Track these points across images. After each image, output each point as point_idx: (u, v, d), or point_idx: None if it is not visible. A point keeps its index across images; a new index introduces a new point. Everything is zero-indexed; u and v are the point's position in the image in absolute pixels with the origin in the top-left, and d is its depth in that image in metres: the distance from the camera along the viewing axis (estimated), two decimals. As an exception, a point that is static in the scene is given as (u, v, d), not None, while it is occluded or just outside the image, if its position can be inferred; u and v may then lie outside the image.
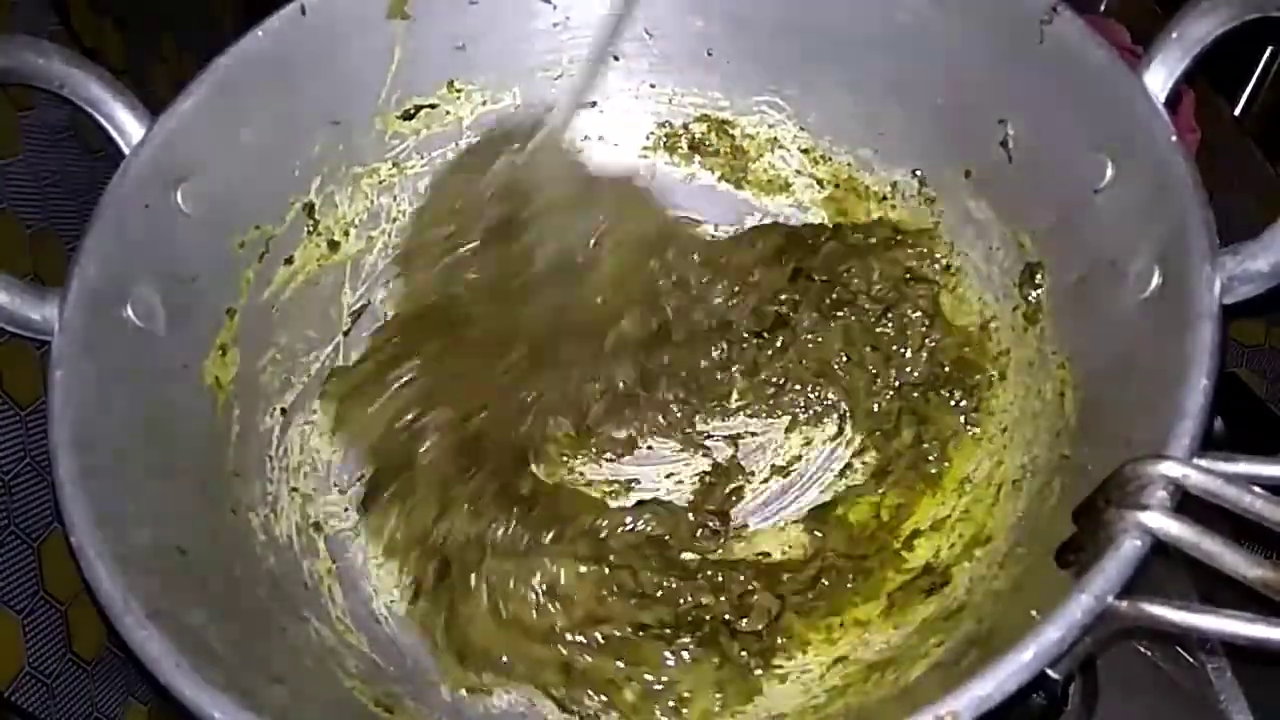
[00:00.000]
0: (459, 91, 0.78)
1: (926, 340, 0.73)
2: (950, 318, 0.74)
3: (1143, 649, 0.68)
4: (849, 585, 0.68)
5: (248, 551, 0.65)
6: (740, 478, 0.76)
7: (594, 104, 0.82)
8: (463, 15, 0.75)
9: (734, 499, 0.75)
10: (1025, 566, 0.58)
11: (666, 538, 0.71)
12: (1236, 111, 1.01)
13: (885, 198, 0.78)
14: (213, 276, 0.68)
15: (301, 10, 0.68)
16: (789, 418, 0.77)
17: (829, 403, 0.77)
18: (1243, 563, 0.43)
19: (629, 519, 0.71)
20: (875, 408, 0.75)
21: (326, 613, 0.66)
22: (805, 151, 0.81)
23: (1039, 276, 0.67)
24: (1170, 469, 0.45)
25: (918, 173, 0.76)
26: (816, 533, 0.72)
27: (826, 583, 0.68)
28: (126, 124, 0.63)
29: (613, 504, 0.74)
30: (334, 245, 0.76)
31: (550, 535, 0.69)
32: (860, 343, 0.75)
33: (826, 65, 0.76)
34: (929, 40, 0.69)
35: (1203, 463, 0.46)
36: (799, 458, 0.76)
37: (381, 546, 0.70)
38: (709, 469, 0.76)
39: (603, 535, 0.71)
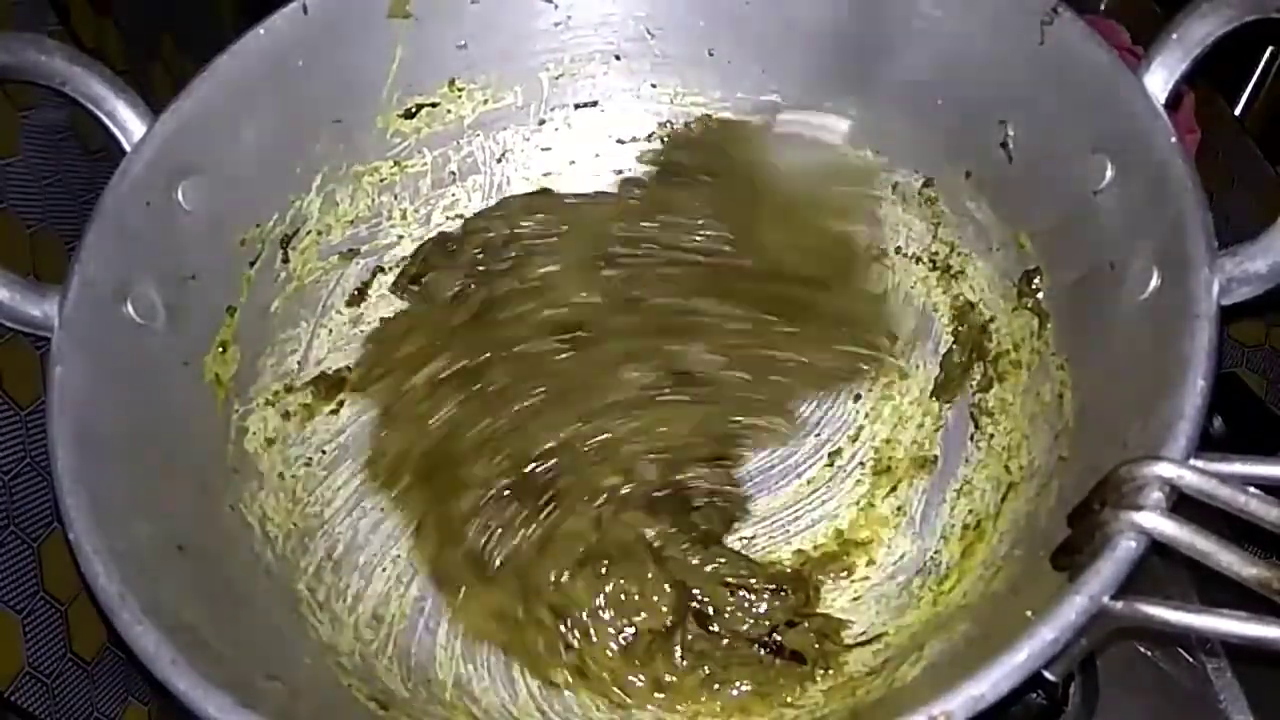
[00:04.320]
0: (461, 90, 0.78)
1: None
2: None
3: (1143, 649, 0.69)
4: None
5: (245, 549, 0.65)
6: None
7: (595, 103, 0.82)
8: (464, 14, 0.75)
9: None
10: (1022, 568, 0.58)
11: None
12: (1236, 111, 1.01)
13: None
14: (213, 274, 0.68)
15: (303, 9, 0.68)
16: None
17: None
18: (1238, 562, 0.43)
19: None
20: None
21: (324, 610, 0.66)
22: (806, 152, 0.81)
23: (1038, 279, 0.67)
24: (1165, 470, 0.45)
25: (918, 173, 0.76)
26: None
27: None
28: (128, 122, 0.63)
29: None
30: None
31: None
32: None
33: (827, 65, 0.76)
34: (929, 41, 0.69)
35: (1198, 463, 0.46)
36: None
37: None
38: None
39: None
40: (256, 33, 0.67)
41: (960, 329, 0.74)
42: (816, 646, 0.65)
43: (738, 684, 0.64)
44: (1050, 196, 0.65)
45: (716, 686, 0.64)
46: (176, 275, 0.65)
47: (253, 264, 0.71)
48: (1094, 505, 0.47)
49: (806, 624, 0.67)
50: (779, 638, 0.66)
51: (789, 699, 0.63)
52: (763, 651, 0.65)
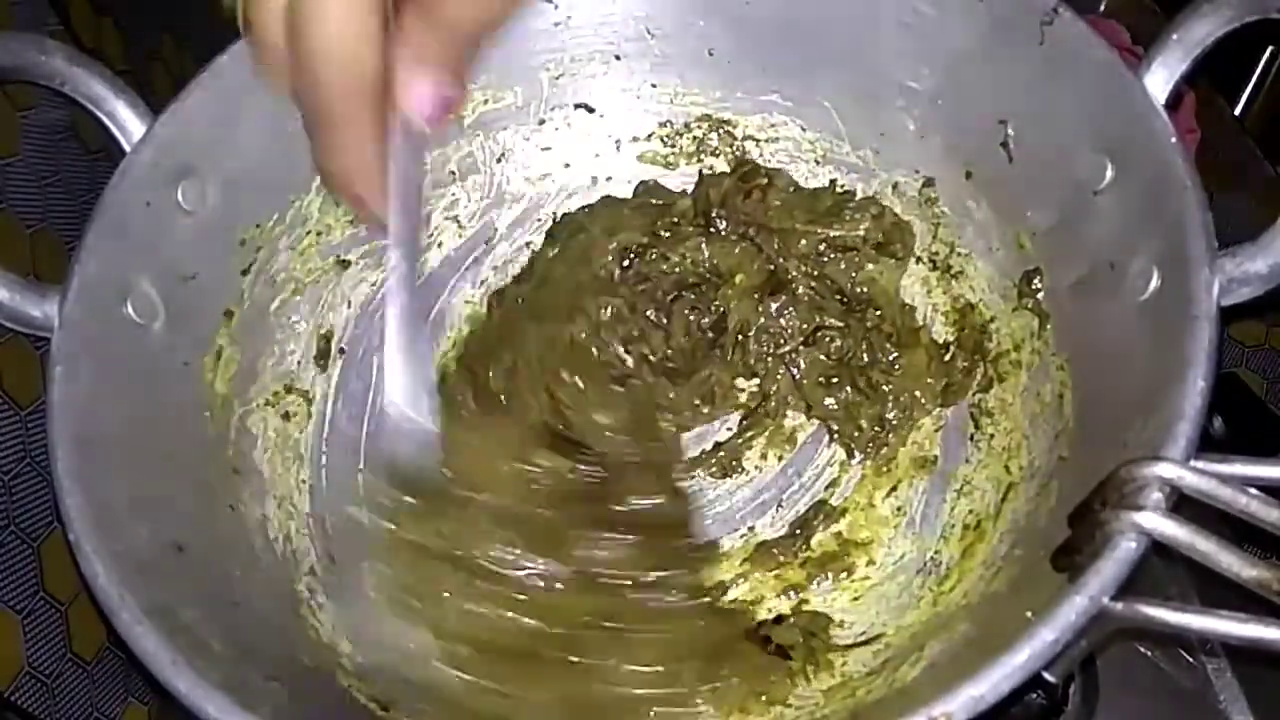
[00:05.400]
0: (460, 90, 0.78)
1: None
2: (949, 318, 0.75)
3: (1143, 649, 0.68)
4: None
5: (246, 549, 0.65)
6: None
7: (595, 104, 0.82)
8: (464, 14, 0.75)
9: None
10: (1022, 568, 0.58)
11: None
12: (1236, 111, 1.01)
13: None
14: (213, 274, 0.68)
15: (303, 9, 0.68)
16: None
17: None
18: (1237, 563, 0.42)
19: None
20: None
21: (323, 611, 0.66)
22: (807, 151, 0.80)
23: (1038, 279, 0.67)
24: (1166, 470, 0.45)
25: (918, 173, 0.76)
26: None
27: None
28: (128, 122, 0.63)
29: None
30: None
31: None
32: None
33: (827, 65, 0.76)
34: (929, 40, 0.69)
35: (1198, 464, 0.46)
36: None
37: None
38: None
39: None
40: (256, 33, 0.67)
41: (960, 329, 0.74)
42: (802, 642, 0.65)
43: (724, 674, 0.64)
44: (1050, 197, 0.65)
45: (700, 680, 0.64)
46: (176, 275, 0.65)
47: (252, 264, 0.71)
48: (1094, 505, 0.47)
49: (794, 619, 0.67)
50: (766, 633, 0.66)
51: (783, 697, 0.63)
52: (750, 645, 0.65)
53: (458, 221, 0.82)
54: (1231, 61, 1.01)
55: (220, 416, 0.68)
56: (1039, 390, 0.66)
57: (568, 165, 0.83)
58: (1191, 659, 0.69)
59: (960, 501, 0.69)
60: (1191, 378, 0.49)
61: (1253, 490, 0.44)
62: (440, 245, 0.82)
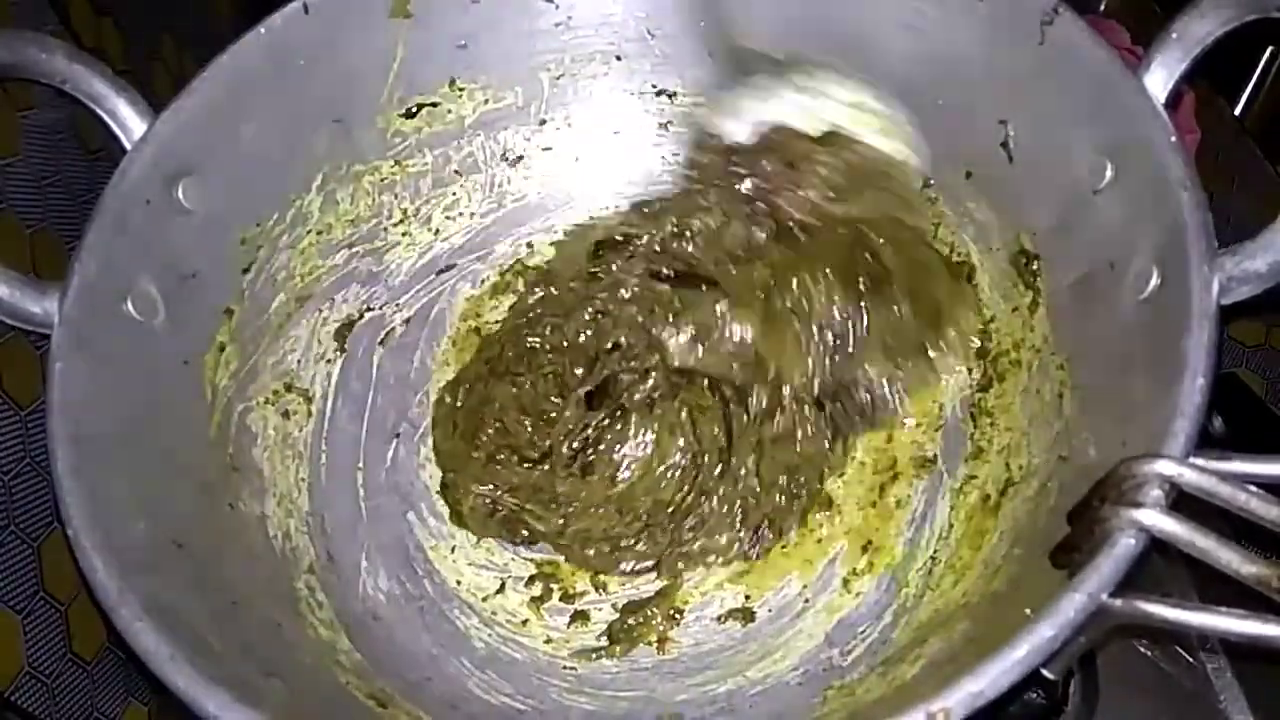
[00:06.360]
0: (461, 90, 0.78)
1: None
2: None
3: (1143, 648, 0.69)
4: None
5: (245, 547, 0.65)
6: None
7: (595, 104, 0.82)
8: (465, 14, 0.75)
9: None
10: (1022, 567, 0.58)
11: None
12: (1236, 111, 1.01)
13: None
14: (213, 273, 0.68)
15: (304, 8, 0.68)
16: None
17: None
18: (1237, 559, 0.43)
19: None
20: None
21: (322, 609, 0.66)
22: (806, 152, 0.80)
23: (1038, 278, 0.67)
24: (1165, 467, 0.45)
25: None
26: None
27: None
28: (128, 120, 0.63)
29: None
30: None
31: None
32: None
33: (828, 66, 0.76)
34: (929, 40, 0.69)
35: (1198, 461, 0.46)
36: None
37: None
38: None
39: None
40: (257, 32, 0.67)
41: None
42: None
43: None
44: (1050, 197, 0.65)
45: None
46: (177, 273, 0.65)
47: (253, 263, 0.71)
48: (1094, 502, 0.47)
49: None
50: None
51: None
52: None
53: (458, 221, 0.82)
54: (1231, 61, 1.01)
55: (220, 414, 0.68)
56: (1039, 390, 0.66)
57: (570, 164, 0.83)
58: (1191, 658, 0.69)
59: (960, 501, 0.69)
60: (1191, 376, 0.49)
61: (1252, 487, 0.44)
62: (440, 245, 0.82)
